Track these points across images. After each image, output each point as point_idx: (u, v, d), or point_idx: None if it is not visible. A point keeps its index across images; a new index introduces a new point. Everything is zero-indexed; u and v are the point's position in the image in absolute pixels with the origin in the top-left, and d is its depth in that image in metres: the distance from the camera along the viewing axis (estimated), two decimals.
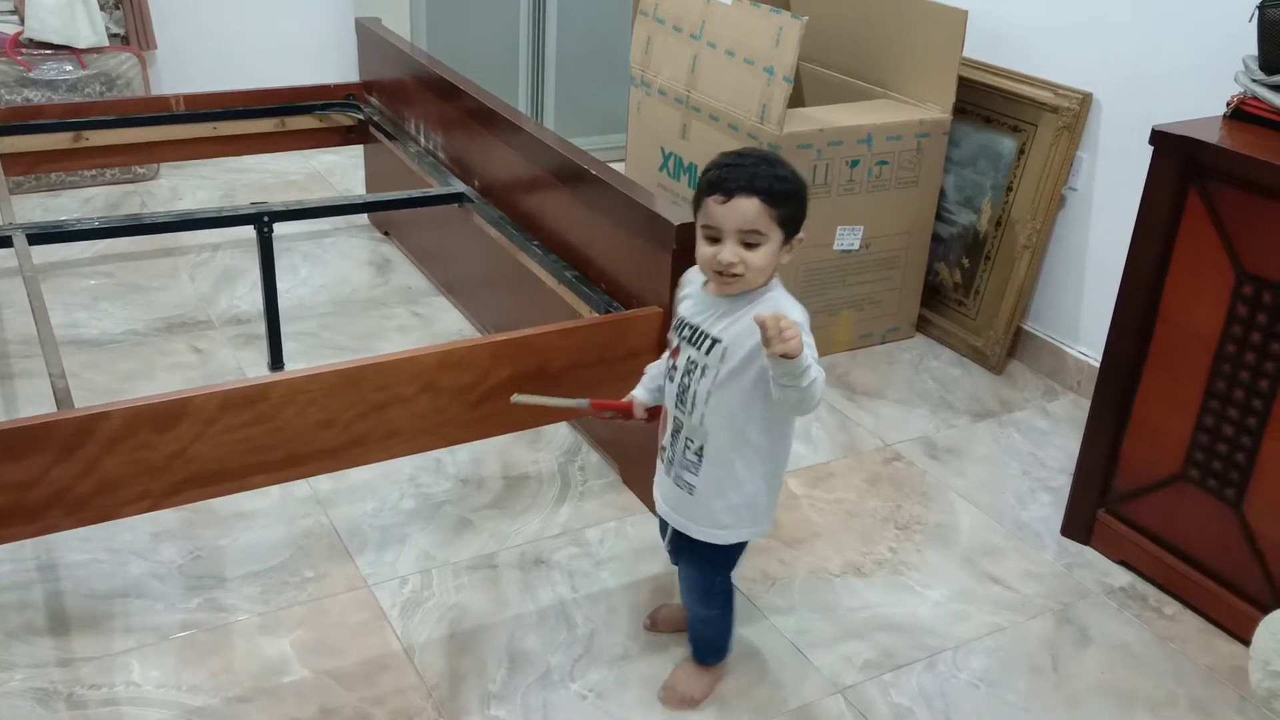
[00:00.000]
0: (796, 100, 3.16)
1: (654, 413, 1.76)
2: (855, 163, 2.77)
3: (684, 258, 2.08)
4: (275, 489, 2.24)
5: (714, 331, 1.59)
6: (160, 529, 2.14)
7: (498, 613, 2.00)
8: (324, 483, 2.29)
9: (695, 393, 1.61)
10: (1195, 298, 2.00)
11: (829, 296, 2.92)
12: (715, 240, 1.54)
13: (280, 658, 1.87)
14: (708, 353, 1.59)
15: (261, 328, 2.73)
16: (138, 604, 1.97)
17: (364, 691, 1.81)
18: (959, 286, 3.06)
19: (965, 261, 3.04)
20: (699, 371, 1.60)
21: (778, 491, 1.73)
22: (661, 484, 1.74)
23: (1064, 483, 2.38)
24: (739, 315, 1.57)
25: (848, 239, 2.87)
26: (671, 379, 1.67)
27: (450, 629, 1.95)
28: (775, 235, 1.53)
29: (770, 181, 1.51)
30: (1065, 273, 2.89)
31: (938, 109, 2.86)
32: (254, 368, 2.72)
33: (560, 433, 2.53)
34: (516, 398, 1.77)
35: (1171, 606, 2.13)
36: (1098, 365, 2.23)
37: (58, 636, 1.89)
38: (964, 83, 2.87)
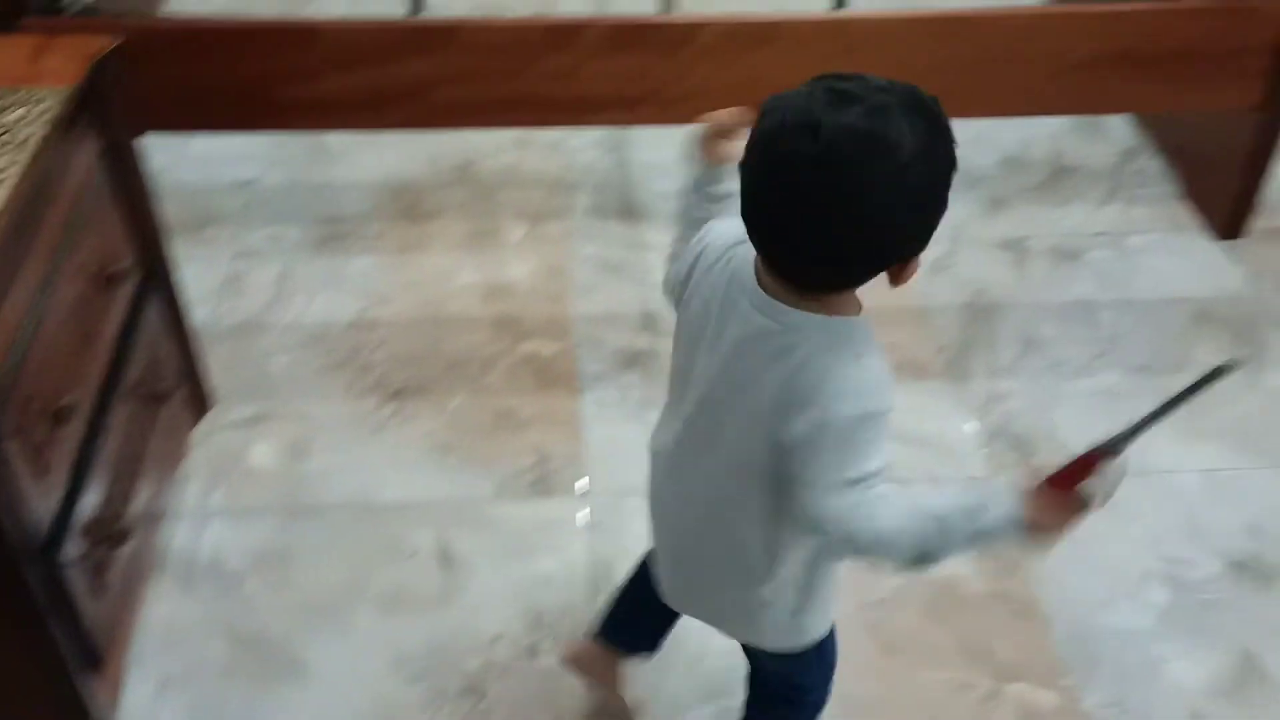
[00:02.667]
0: None
1: None
2: None
3: None
4: None
5: None
6: None
7: (1019, 295, 1.99)
8: None
9: None
10: None
11: None
12: None
13: None
14: None
15: None
16: None
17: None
18: None
19: None
20: None
21: None
22: None
23: None
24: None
25: None
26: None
27: (969, 298, 1.98)
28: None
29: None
30: None
31: None
32: (817, 4, 2.72)
33: (1120, 129, 2.34)
34: None
35: None
36: None
37: (624, 221, 2.14)
38: None
